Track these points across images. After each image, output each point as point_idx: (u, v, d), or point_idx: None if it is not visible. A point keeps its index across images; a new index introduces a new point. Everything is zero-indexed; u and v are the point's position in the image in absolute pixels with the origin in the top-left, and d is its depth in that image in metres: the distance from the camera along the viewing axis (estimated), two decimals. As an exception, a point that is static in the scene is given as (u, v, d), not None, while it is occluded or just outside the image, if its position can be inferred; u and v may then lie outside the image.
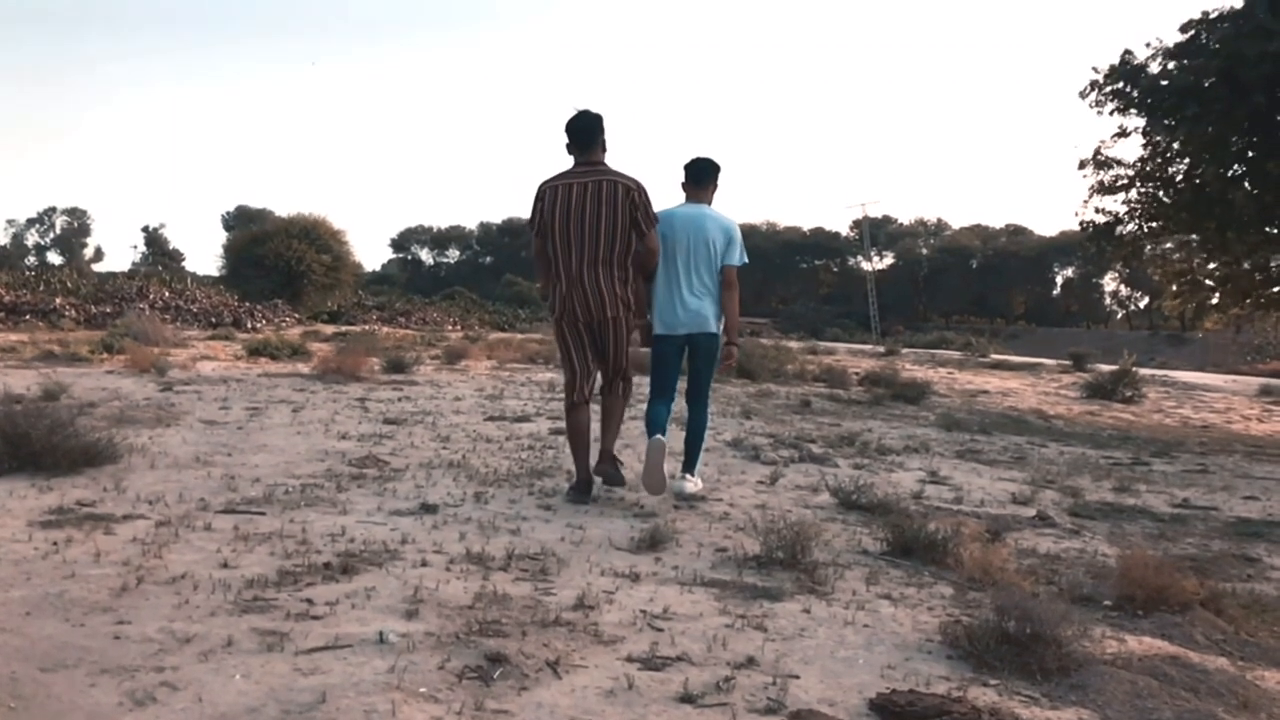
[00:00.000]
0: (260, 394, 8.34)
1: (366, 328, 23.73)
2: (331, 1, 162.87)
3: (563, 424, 6.96)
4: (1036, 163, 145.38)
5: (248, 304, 24.24)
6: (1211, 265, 14.95)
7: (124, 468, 4.72)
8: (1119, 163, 13.65)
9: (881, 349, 27.85)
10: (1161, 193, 13.48)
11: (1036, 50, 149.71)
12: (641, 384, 5.53)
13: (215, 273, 39.26)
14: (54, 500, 3.96)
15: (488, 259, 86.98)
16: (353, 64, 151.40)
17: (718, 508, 4.71)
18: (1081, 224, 14.49)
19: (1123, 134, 13.29)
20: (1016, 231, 78.16)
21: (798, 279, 78.79)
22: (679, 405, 5.13)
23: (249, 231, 36.35)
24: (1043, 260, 74.01)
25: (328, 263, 31.62)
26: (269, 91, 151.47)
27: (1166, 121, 12.00)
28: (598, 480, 4.85)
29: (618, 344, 4.83)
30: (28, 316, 17.83)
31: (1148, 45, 12.46)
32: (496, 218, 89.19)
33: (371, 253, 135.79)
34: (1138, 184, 13.55)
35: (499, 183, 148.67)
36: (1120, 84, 12.51)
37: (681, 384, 5.15)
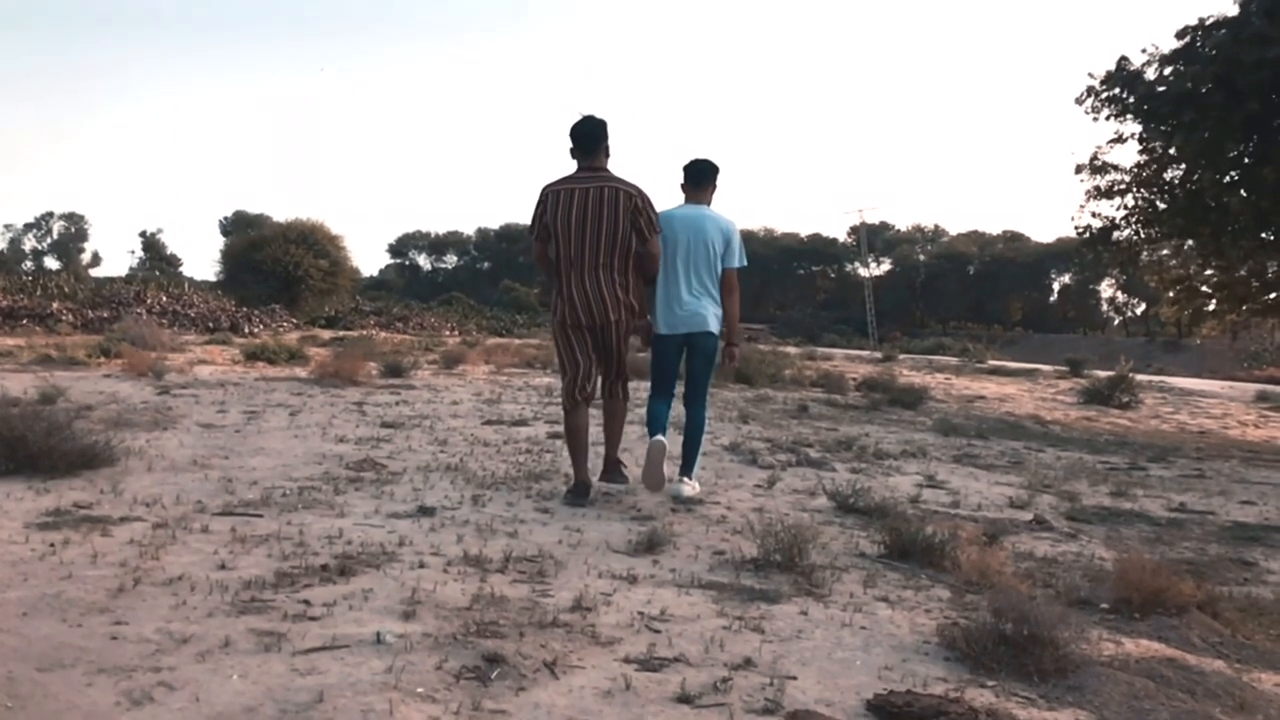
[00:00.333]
0: (257, 398, 8.34)
1: (364, 333, 23.70)
2: (330, 7, 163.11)
3: (560, 428, 7.01)
4: (1034, 170, 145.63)
5: (245, 309, 24.21)
6: (1208, 271, 15.00)
7: (121, 470, 4.71)
8: (1115, 168, 13.70)
9: (879, 355, 27.89)
10: (1157, 199, 13.52)
11: (1034, 57, 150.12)
12: (639, 387, 5.56)
13: (213, 278, 39.22)
14: (51, 502, 3.96)
15: (485, 264, 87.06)
16: (351, 69, 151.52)
17: (715, 511, 4.71)
18: (1077, 229, 14.53)
19: (1119, 140, 13.33)
20: (1014, 238, 78.29)
21: (795, 285, 78.92)
22: (677, 409, 5.13)
23: (246, 236, 36.38)
24: (1040, 267, 74.13)
25: (325, 268, 31.63)
26: (266, 97, 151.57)
27: (1163, 128, 12.04)
28: (595, 482, 4.86)
29: (618, 347, 4.89)
30: (24, 321, 17.79)
31: (1144, 51, 12.51)
32: (494, 223, 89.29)
33: (369, 258, 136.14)
34: (1134, 189, 13.59)
35: (497, 188, 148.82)
36: (1117, 90, 12.55)
37: (680, 387, 5.17)
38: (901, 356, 27.08)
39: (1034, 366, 24.46)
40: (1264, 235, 12.65)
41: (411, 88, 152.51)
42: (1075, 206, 14.47)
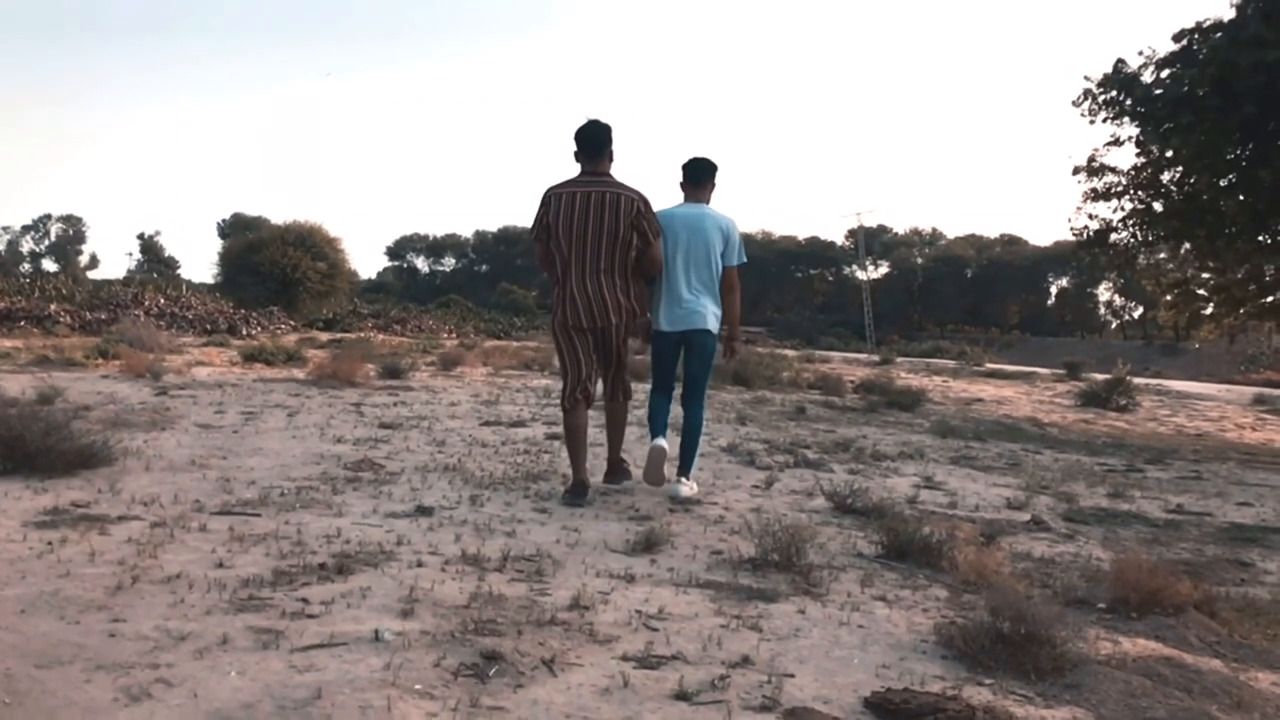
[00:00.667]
0: (255, 399, 8.33)
1: (362, 335, 23.69)
2: (328, 10, 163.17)
3: (558, 429, 7.05)
4: (1031, 173, 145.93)
5: (243, 311, 24.18)
6: (1205, 275, 15.03)
7: (119, 470, 4.71)
8: (1113, 170, 13.72)
9: (876, 358, 27.91)
10: (1153, 201, 13.55)
11: (1031, 60, 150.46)
12: (639, 389, 5.57)
13: (210, 280, 39.18)
14: (49, 501, 3.96)
15: (483, 267, 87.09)
16: (349, 72, 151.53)
17: (713, 511, 4.71)
18: (1074, 231, 14.56)
19: (1116, 143, 13.36)
20: (1011, 241, 78.41)
21: (793, 288, 78.96)
22: (676, 410, 5.14)
23: (244, 239, 36.31)
24: (1037, 270, 74.24)
25: (323, 270, 31.59)
26: (265, 100, 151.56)
27: (1160, 130, 12.07)
28: (599, 483, 4.89)
29: (619, 349, 4.94)
30: (22, 323, 17.76)
31: (1140, 54, 12.54)
32: (492, 226, 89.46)
33: (367, 261, 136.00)
34: (1131, 192, 13.62)
35: (495, 191, 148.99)
36: (1114, 92, 12.58)
37: (678, 389, 5.19)
38: (899, 359, 27.12)
39: (1031, 369, 24.49)
40: (1261, 238, 12.68)
41: (409, 90, 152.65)
42: (1072, 209, 14.49)
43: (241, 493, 4.39)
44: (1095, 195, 13.83)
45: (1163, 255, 15.65)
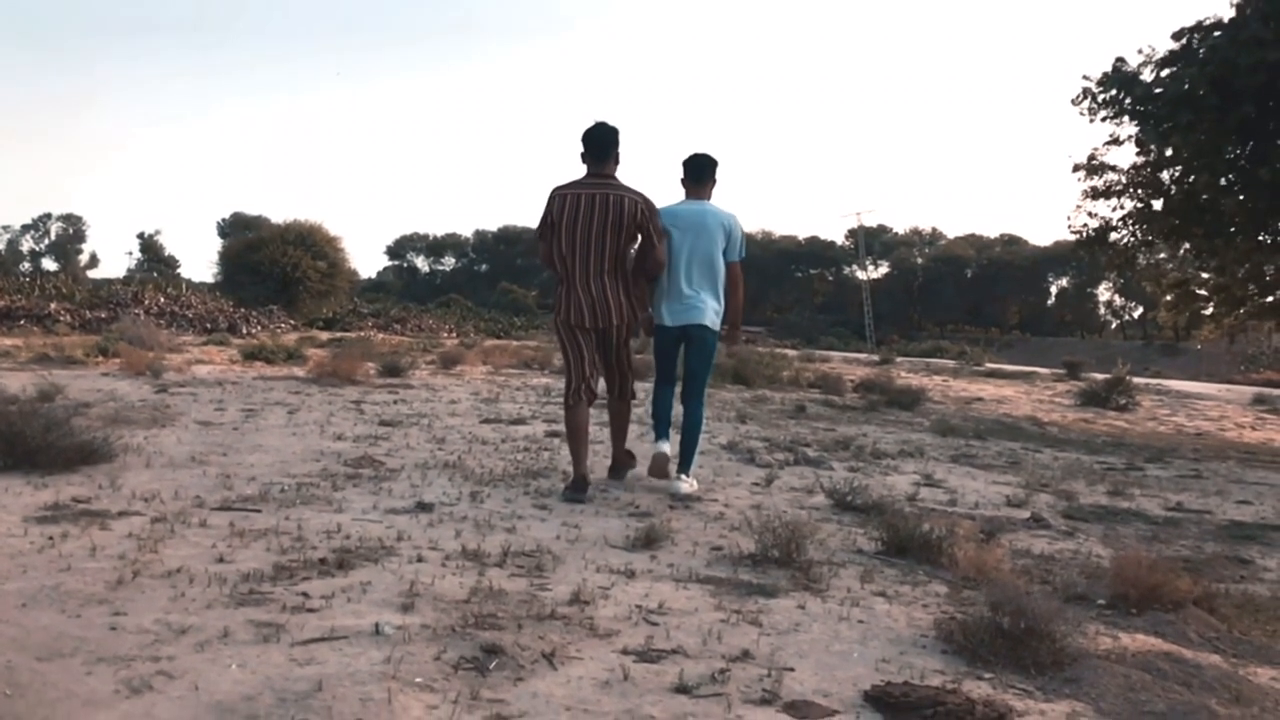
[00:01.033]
0: (256, 396, 8.34)
1: (362, 334, 23.70)
2: (328, 10, 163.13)
3: (558, 427, 7.08)
4: (1031, 173, 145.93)
5: (243, 310, 24.18)
6: (1205, 275, 15.02)
7: (119, 466, 4.71)
8: (1113, 168, 13.72)
9: (876, 357, 27.90)
10: (1153, 199, 13.54)
11: (1032, 60, 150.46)
12: (640, 389, 5.58)
13: (210, 279, 39.18)
14: (49, 497, 3.96)
15: (483, 267, 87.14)
16: (349, 72, 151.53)
17: (713, 508, 4.72)
18: (1072, 229, 14.55)
19: (1115, 142, 13.36)
20: (1011, 241, 78.44)
21: (793, 288, 78.99)
22: (677, 409, 5.17)
23: (244, 238, 36.33)
24: (1037, 270, 74.27)
25: (323, 269, 31.59)
26: (265, 99, 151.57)
27: (1160, 129, 12.06)
28: (605, 478, 4.96)
29: (621, 350, 5.01)
30: (22, 321, 17.76)
31: (1140, 52, 12.54)
32: (492, 226, 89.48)
33: (367, 260, 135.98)
34: (1130, 190, 13.61)
35: (495, 191, 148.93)
36: (1113, 91, 12.58)
37: (678, 387, 5.22)
38: (899, 359, 27.12)
39: (1031, 369, 24.50)
40: (1261, 238, 12.68)
41: (409, 90, 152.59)
42: (1072, 208, 14.48)
43: (242, 489, 4.39)
44: (1095, 193, 13.83)
45: (1162, 255, 15.65)
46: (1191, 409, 15.66)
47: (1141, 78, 12.39)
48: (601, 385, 5.11)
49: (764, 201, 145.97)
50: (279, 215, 72.97)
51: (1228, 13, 11.65)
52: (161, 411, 6.91)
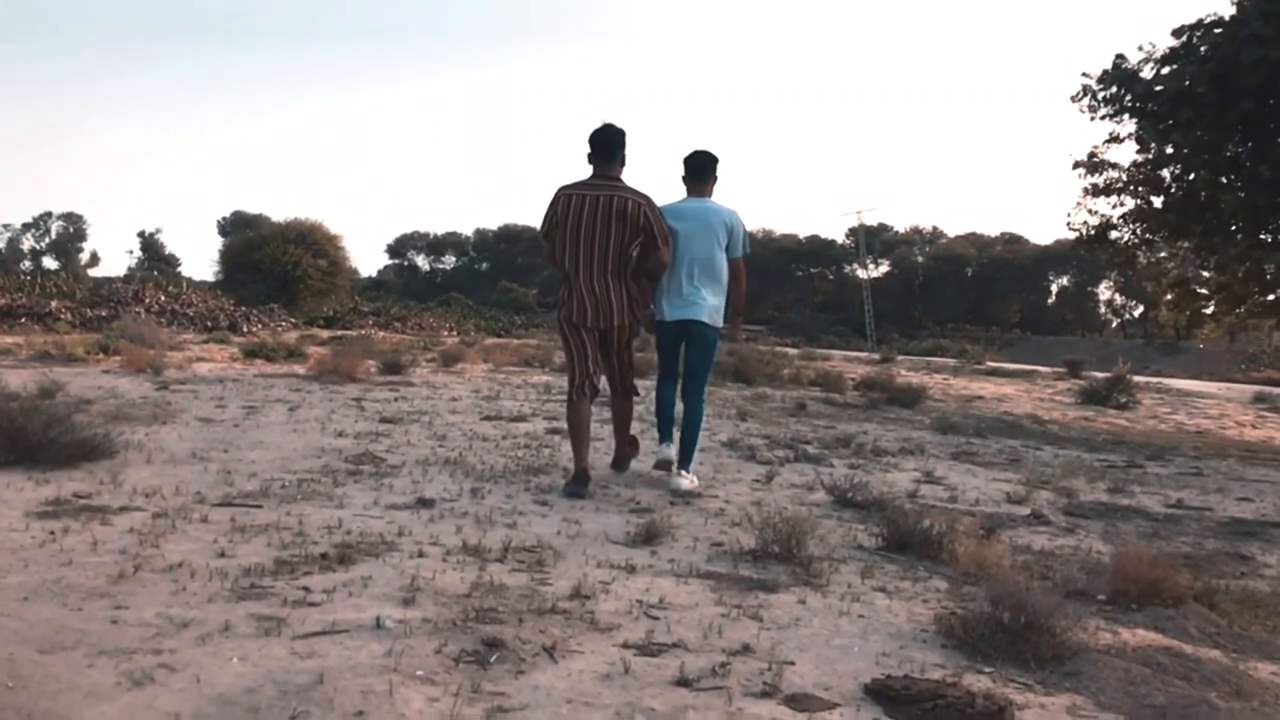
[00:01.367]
0: (256, 393, 8.34)
1: (362, 332, 23.69)
2: (328, 9, 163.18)
3: (559, 424, 7.10)
4: (1032, 172, 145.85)
5: (243, 308, 24.19)
6: (1205, 273, 15.02)
7: (120, 462, 4.72)
8: (1113, 166, 13.71)
9: (877, 356, 27.90)
10: (1154, 197, 13.53)
11: (1033, 59, 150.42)
12: (642, 386, 5.59)
13: (211, 278, 39.19)
14: (51, 492, 3.96)
15: (484, 265, 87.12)
16: (349, 70, 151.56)
17: (713, 504, 4.72)
18: (1071, 227, 14.54)
19: (1116, 139, 13.35)
20: (1012, 240, 78.40)
21: (793, 286, 78.95)
22: (679, 410, 5.20)
23: (245, 236, 36.34)
24: (1038, 269, 74.23)
25: (324, 268, 31.62)
26: (265, 98, 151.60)
27: (1160, 126, 12.05)
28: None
29: (623, 349, 5.07)
30: (23, 320, 17.77)
31: (1140, 49, 12.53)
32: (492, 224, 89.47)
33: (368, 259, 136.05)
34: (1130, 188, 13.60)
35: (495, 189, 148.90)
36: (1114, 88, 12.57)
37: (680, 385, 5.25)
38: (899, 358, 27.11)
39: (1032, 368, 24.49)
40: (1262, 236, 12.67)
41: (410, 89, 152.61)
42: (1072, 204, 14.45)
43: (243, 485, 4.40)
44: (1095, 191, 13.82)
45: (1163, 254, 15.64)
46: (1192, 407, 15.66)
47: (1142, 75, 12.39)
48: (603, 383, 5.16)
49: (765, 200, 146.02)
50: (279, 214, 72.97)
51: (1228, 10, 11.65)
52: (162, 408, 6.92)
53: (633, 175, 5.00)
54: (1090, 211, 14.13)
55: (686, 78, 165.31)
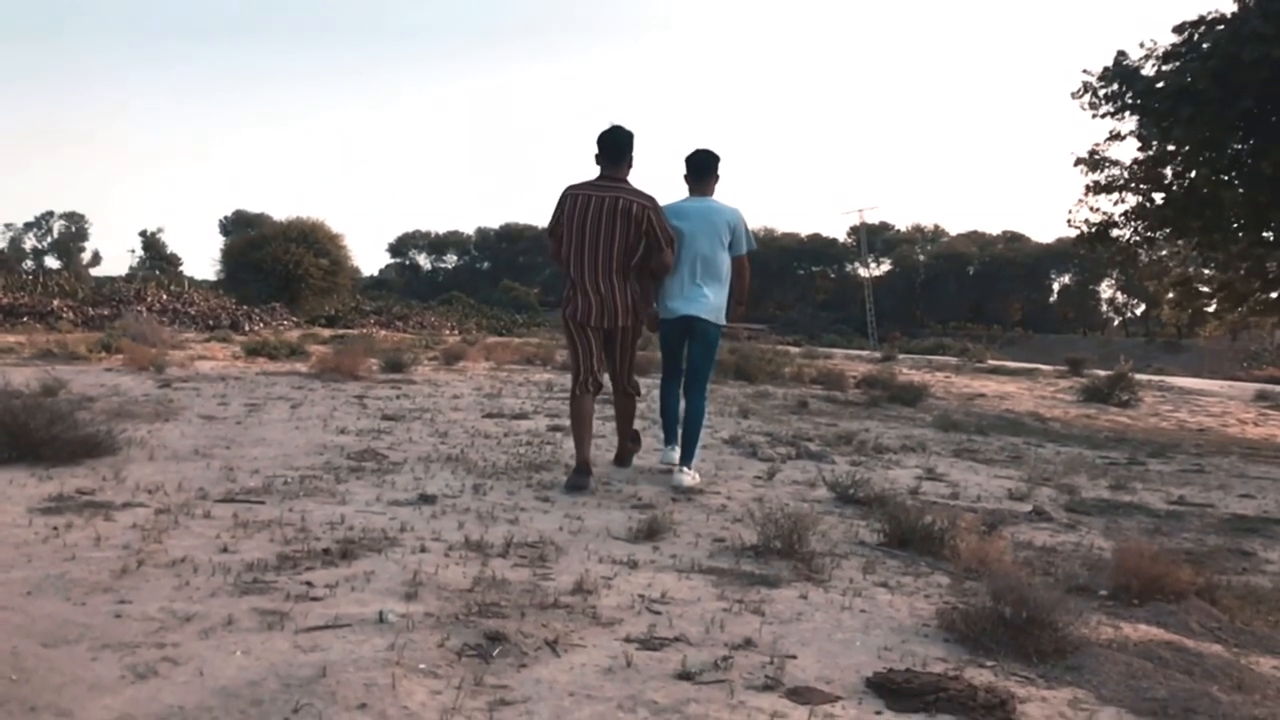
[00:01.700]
0: (259, 391, 8.35)
1: (364, 331, 23.70)
2: (329, 9, 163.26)
3: (560, 421, 7.11)
4: (1034, 170, 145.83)
5: (245, 307, 24.19)
6: (1207, 272, 15.02)
7: (123, 459, 4.73)
8: (1114, 163, 13.71)
9: (878, 354, 27.89)
10: (1155, 194, 13.52)
11: (1034, 57, 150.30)
12: (645, 385, 5.60)
13: (213, 277, 39.25)
14: (54, 489, 3.97)
15: (485, 264, 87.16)
16: (350, 70, 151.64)
17: (715, 500, 4.73)
18: (1072, 224, 14.53)
19: (1117, 137, 13.35)
20: (1013, 239, 78.35)
21: (795, 285, 78.97)
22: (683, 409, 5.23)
23: (246, 236, 36.35)
24: (1039, 267, 74.21)
25: (325, 267, 31.60)
26: (266, 96, 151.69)
27: (1163, 124, 12.05)
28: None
29: (626, 348, 5.13)
30: (25, 319, 17.79)
31: (1141, 46, 12.53)
32: (494, 223, 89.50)
33: (369, 258, 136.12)
34: (1132, 186, 13.60)
35: (497, 189, 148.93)
36: (1114, 85, 12.56)
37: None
38: (901, 356, 27.08)
39: (1034, 366, 24.47)
40: (1265, 234, 12.67)
41: (411, 88, 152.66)
42: (1073, 202, 14.43)
43: (245, 481, 4.41)
44: (1097, 188, 13.82)
45: (1164, 252, 15.63)
46: (1194, 405, 15.64)
47: (1143, 72, 12.38)
48: (606, 382, 5.20)
49: (766, 199, 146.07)
50: (281, 213, 73.01)
51: (1229, 7, 11.65)
52: (165, 406, 6.93)
53: (635, 174, 5.02)
54: (1092, 209, 14.13)
55: (688, 77, 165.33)
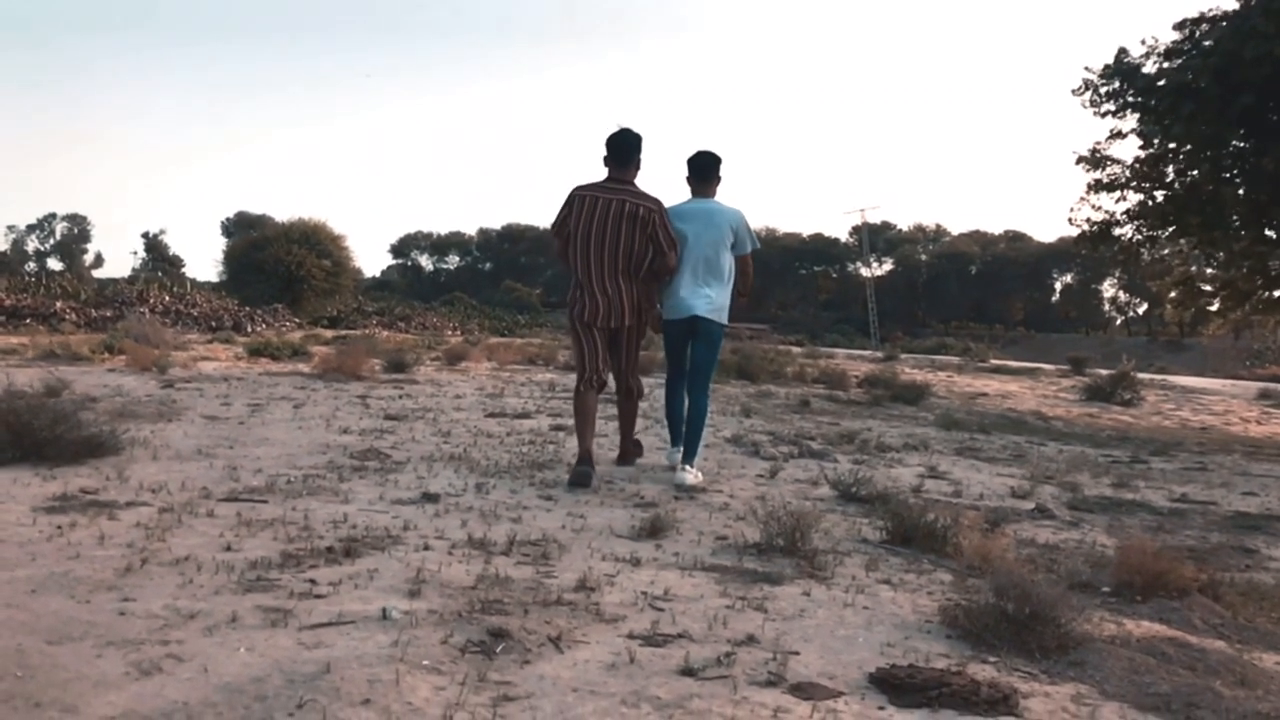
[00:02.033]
0: (261, 391, 8.36)
1: (366, 332, 23.71)
2: (330, 10, 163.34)
3: (563, 420, 7.12)
4: (1036, 170, 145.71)
5: (248, 309, 24.22)
6: (1210, 270, 15.00)
7: (126, 459, 4.73)
8: (1116, 161, 13.70)
9: (880, 354, 27.88)
10: (1157, 192, 13.51)
11: (1036, 56, 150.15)
12: (650, 384, 5.62)
13: (215, 278, 39.30)
14: (57, 488, 3.98)
15: (487, 265, 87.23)
16: (352, 72, 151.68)
17: (718, 499, 4.73)
18: (1074, 223, 14.52)
19: (1118, 135, 13.34)
20: (1015, 238, 78.34)
21: (797, 285, 79.00)
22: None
23: (248, 237, 36.39)
24: (1041, 267, 74.21)
25: (328, 268, 31.64)
26: (268, 98, 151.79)
27: (1165, 121, 12.04)
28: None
29: (631, 347, 5.20)
30: (28, 320, 17.80)
31: (1143, 43, 12.52)
32: (496, 224, 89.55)
33: (371, 259, 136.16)
34: (1133, 184, 13.59)
35: (498, 189, 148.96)
36: (1115, 83, 12.55)
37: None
38: (903, 356, 27.08)
39: (1036, 365, 24.45)
40: (1267, 233, 12.65)
41: (412, 89, 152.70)
42: (1075, 200, 14.41)
43: (248, 480, 4.41)
44: (1098, 186, 13.81)
45: (1166, 251, 15.62)
46: (1196, 404, 15.63)
47: (1144, 69, 12.37)
48: (610, 381, 5.24)
49: (768, 199, 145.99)
50: (283, 214, 73.04)
51: (1230, 4, 11.64)
52: (168, 406, 6.94)
53: (640, 175, 5.08)
54: (1094, 208, 14.12)
55: (690, 77, 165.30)
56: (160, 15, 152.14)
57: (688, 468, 4.99)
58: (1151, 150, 13.06)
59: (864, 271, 76.47)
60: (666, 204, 5.07)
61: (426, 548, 3.36)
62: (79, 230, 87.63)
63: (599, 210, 4.90)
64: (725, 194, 5.33)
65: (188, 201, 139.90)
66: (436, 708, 2.03)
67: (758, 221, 77.18)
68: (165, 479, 4.31)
